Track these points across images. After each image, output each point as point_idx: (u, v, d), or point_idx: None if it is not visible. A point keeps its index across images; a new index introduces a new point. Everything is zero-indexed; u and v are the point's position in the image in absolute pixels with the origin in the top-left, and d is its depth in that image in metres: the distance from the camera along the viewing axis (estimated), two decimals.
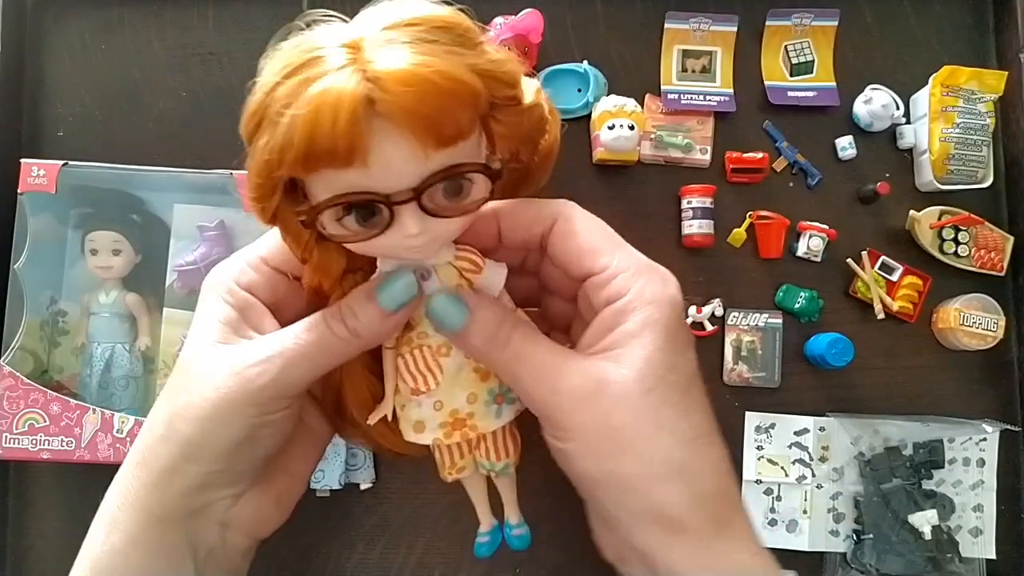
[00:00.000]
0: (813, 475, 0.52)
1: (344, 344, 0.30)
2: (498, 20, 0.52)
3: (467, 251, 0.31)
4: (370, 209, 0.26)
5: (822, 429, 0.52)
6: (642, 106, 0.54)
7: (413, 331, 0.32)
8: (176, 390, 0.32)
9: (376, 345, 0.31)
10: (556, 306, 0.36)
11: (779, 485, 0.52)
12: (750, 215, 0.53)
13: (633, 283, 0.31)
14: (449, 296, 0.31)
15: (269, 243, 0.33)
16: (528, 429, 0.35)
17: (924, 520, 0.50)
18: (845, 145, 0.54)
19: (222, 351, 0.31)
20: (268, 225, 0.29)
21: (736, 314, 0.53)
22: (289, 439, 0.33)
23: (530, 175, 0.34)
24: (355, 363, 0.33)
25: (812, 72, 0.55)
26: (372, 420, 0.33)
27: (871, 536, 0.50)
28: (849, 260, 0.53)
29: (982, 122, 0.53)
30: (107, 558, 0.32)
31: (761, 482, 0.52)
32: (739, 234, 0.53)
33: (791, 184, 0.55)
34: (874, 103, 0.53)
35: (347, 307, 0.30)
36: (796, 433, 0.52)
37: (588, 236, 0.32)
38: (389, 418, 0.33)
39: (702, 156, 0.54)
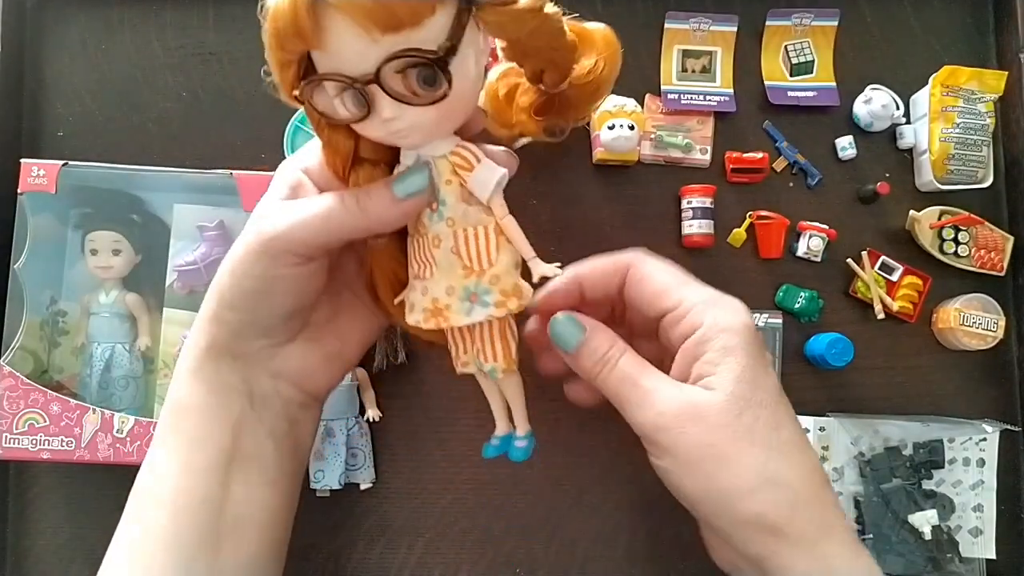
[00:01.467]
0: None
1: (350, 217, 0.32)
2: None
3: (466, 147, 0.32)
4: (357, 94, 0.28)
5: (822, 429, 0.52)
6: (642, 106, 0.54)
7: (421, 220, 0.33)
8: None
9: (384, 230, 0.33)
10: (643, 348, 0.38)
11: None
12: (750, 215, 0.53)
13: (706, 315, 0.35)
14: (569, 317, 0.36)
15: None
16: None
17: (924, 520, 0.50)
18: (845, 145, 0.54)
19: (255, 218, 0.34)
20: (291, 101, 0.30)
21: None
22: (340, 308, 0.37)
23: (565, 105, 0.36)
24: (383, 251, 0.35)
25: (812, 72, 0.55)
26: (396, 301, 0.36)
27: (871, 536, 0.50)
28: (849, 260, 0.53)
29: (982, 122, 0.53)
30: (176, 393, 0.36)
31: None
32: (739, 234, 0.53)
33: (791, 184, 0.55)
34: (874, 103, 0.53)
35: (364, 188, 0.33)
36: None
37: (658, 277, 0.36)
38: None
39: (702, 156, 0.54)
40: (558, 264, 0.35)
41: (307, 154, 0.35)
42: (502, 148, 0.35)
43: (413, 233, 0.34)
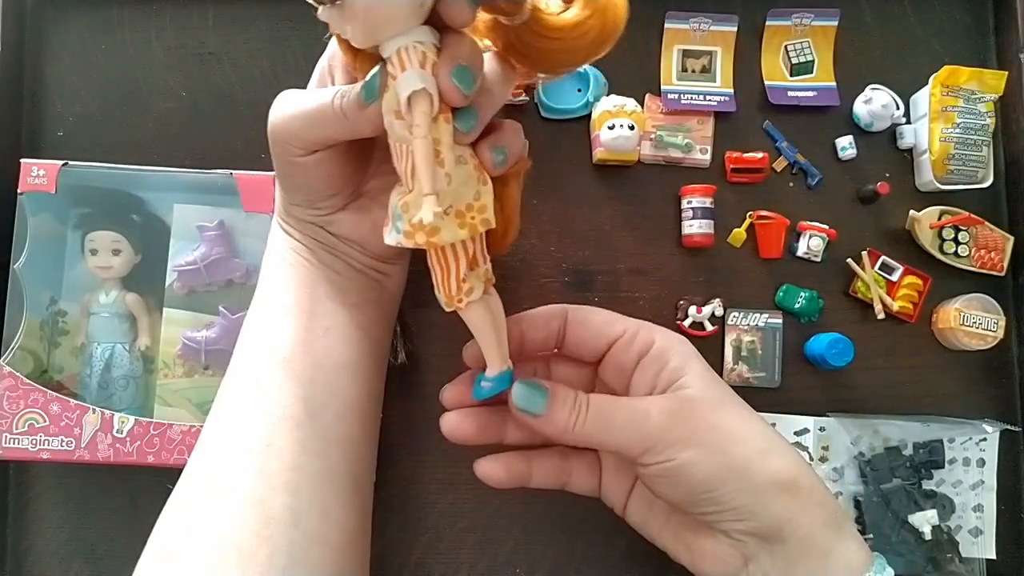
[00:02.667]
0: None
1: (335, 119, 0.32)
2: None
3: (415, 47, 0.29)
4: None
5: (822, 429, 0.52)
6: (642, 106, 0.54)
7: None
8: None
9: (366, 133, 0.33)
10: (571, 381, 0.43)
11: None
12: (750, 215, 0.53)
13: (656, 333, 0.39)
14: (528, 383, 0.37)
15: None
16: None
17: (924, 520, 0.50)
18: (845, 145, 0.54)
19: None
20: None
21: (736, 314, 0.53)
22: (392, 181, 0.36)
23: (532, 52, 0.32)
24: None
25: (812, 72, 0.55)
26: None
27: (871, 536, 0.50)
28: (849, 260, 0.53)
29: (982, 122, 0.53)
30: (273, 231, 0.42)
31: None
32: (739, 234, 0.53)
33: (791, 184, 0.55)
34: (874, 103, 0.53)
35: (348, 88, 0.32)
36: (796, 433, 0.52)
37: (599, 314, 0.41)
38: None
39: (702, 156, 0.54)
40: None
41: None
42: (508, 121, 0.34)
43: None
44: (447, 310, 0.35)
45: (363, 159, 0.39)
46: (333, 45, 0.37)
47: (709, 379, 0.38)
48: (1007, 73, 0.54)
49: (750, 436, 0.36)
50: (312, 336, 0.38)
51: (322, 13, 0.28)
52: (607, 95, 0.53)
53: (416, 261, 0.41)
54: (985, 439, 0.52)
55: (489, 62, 0.33)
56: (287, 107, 0.34)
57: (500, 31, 0.32)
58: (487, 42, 0.33)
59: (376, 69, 0.30)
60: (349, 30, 0.29)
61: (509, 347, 0.37)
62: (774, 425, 0.52)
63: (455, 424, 0.41)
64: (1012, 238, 0.54)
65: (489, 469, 0.41)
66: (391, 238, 0.33)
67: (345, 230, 0.40)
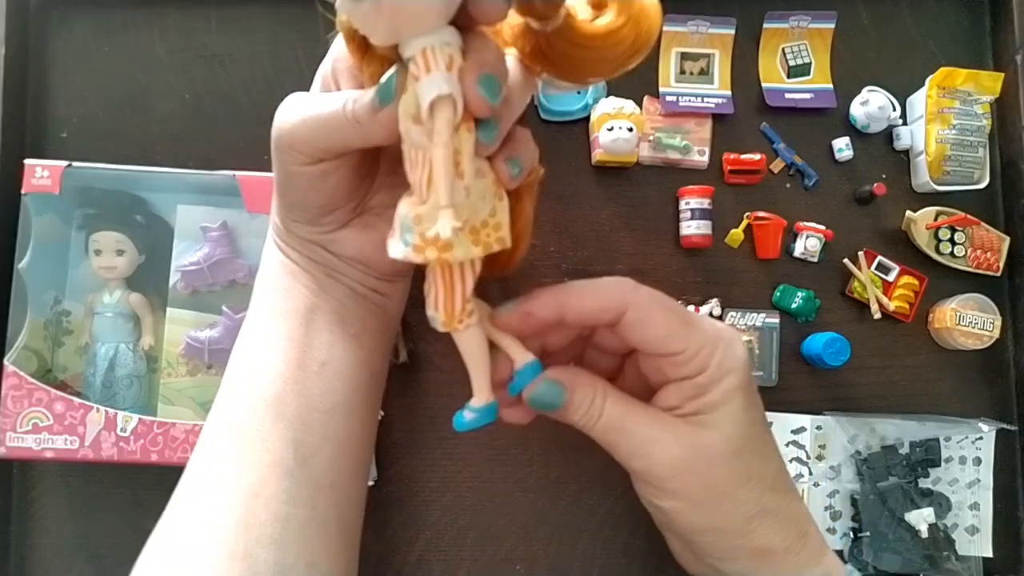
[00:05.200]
0: (810, 473, 0.53)
1: (347, 125, 0.30)
2: None
3: (441, 48, 0.27)
4: None
5: (819, 428, 0.53)
6: (641, 108, 0.54)
7: None
8: None
9: (378, 140, 0.30)
10: (602, 361, 0.40)
11: None
12: (748, 216, 0.54)
13: (712, 359, 0.34)
14: (547, 382, 0.35)
15: None
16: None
17: (921, 518, 0.50)
18: (842, 146, 0.55)
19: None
20: None
21: (734, 314, 0.53)
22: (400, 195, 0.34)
23: (556, 57, 0.30)
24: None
25: (809, 74, 0.55)
26: None
27: (868, 534, 0.51)
28: (846, 260, 0.54)
29: (978, 123, 0.54)
30: (265, 258, 0.39)
31: None
32: (737, 235, 0.54)
33: (788, 185, 0.55)
34: (871, 105, 0.54)
35: (359, 92, 0.30)
36: (793, 432, 0.53)
37: (660, 320, 0.35)
38: None
39: (700, 158, 0.54)
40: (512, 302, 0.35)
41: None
42: (520, 128, 0.32)
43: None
44: (442, 330, 0.32)
45: (369, 172, 0.36)
46: (335, 49, 0.34)
47: (740, 421, 0.35)
48: (1003, 75, 0.54)
49: (745, 501, 0.35)
50: (306, 373, 0.35)
51: (341, 3, 0.26)
52: (606, 97, 0.53)
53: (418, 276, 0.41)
54: (981, 438, 0.53)
55: (511, 69, 0.30)
56: (294, 112, 0.32)
57: (529, 36, 0.30)
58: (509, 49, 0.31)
59: (393, 70, 0.28)
60: (369, 25, 0.26)
61: (546, 328, 0.36)
62: (771, 424, 0.53)
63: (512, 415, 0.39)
64: (1008, 238, 0.54)
65: (512, 413, 0.38)
66: (397, 250, 0.30)
67: (349, 249, 0.36)
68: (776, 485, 0.36)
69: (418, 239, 0.28)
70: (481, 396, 0.34)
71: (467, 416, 0.34)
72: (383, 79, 0.28)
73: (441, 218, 0.27)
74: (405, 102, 0.28)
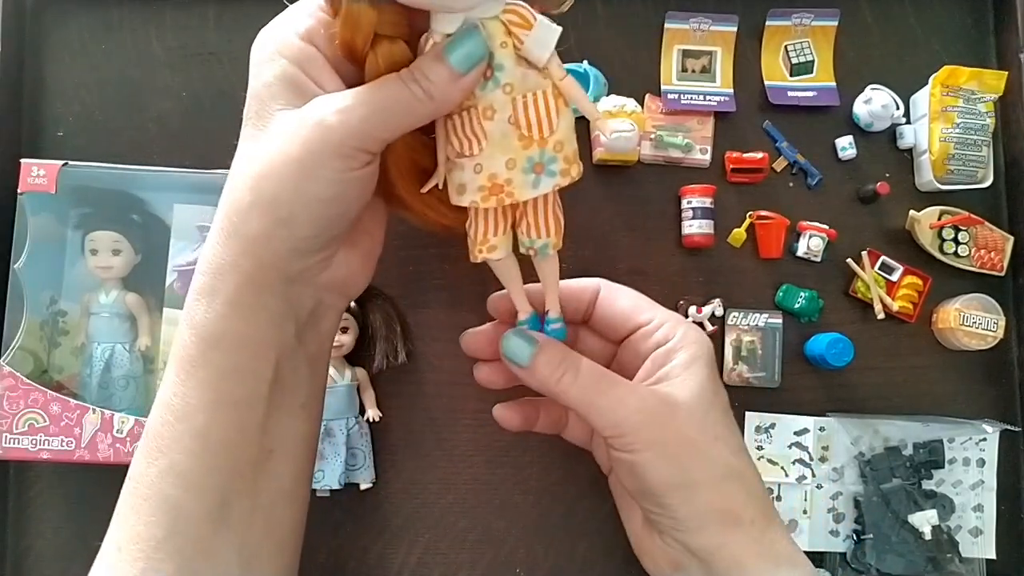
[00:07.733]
0: (813, 475, 0.52)
1: (419, 104, 0.30)
2: None
3: (517, 5, 0.30)
4: None
5: (822, 429, 0.52)
6: (642, 106, 0.54)
7: None
8: (251, 157, 0.31)
9: (448, 111, 0.31)
10: (593, 352, 0.43)
11: (779, 485, 0.52)
12: (750, 215, 0.53)
13: (676, 330, 0.39)
14: (518, 332, 0.37)
15: None
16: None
17: (924, 520, 0.50)
18: (845, 145, 0.54)
19: (295, 107, 0.30)
20: None
21: (736, 314, 0.53)
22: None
23: None
24: (397, 141, 0.32)
25: (812, 72, 0.55)
26: (426, 188, 0.34)
27: (871, 536, 0.50)
28: (849, 260, 0.53)
29: (982, 122, 0.53)
30: (211, 324, 0.32)
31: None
32: (739, 234, 0.53)
33: (791, 184, 0.55)
34: (874, 103, 0.53)
35: (418, 70, 0.30)
36: (796, 433, 0.52)
37: (629, 297, 0.41)
38: (440, 186, 0.34)
39: (702, 156, 0.54)
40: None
41: (285, 19, 0.32)
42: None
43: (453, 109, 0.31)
44: (495, 259, 0.35)
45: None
46: (289, 56, 0.31)
47: (705, 386, 0.37)
48: (1007, 73, 0.54)
49: (714, 458, 0.36)
50: (255, 469, 0.32)
51: None
52: (607, 95, 0.53)
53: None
54: (985, 439, 0.53)
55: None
56: (348, 113, 0.29)
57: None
58: None
59: (465, 32, 0.29)
60: None
61: (537, 313, 0.39)
62: (773, 425, 0.53)
63: (504, 417, 0.43)
64: (1012, 238, 0.54)
65: (505, 415, 0.43)
66: (530, 190, 0.32)
67: (340, 273, 0.34)
68: (741, 454, 0.38)
69: (563, 163, 0.32)
70: (523, 311, 0.38)
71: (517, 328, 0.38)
72: (462, 44, 0.29)
73: (605, 124, 0.34)
74: (507, 54, 0.30)
